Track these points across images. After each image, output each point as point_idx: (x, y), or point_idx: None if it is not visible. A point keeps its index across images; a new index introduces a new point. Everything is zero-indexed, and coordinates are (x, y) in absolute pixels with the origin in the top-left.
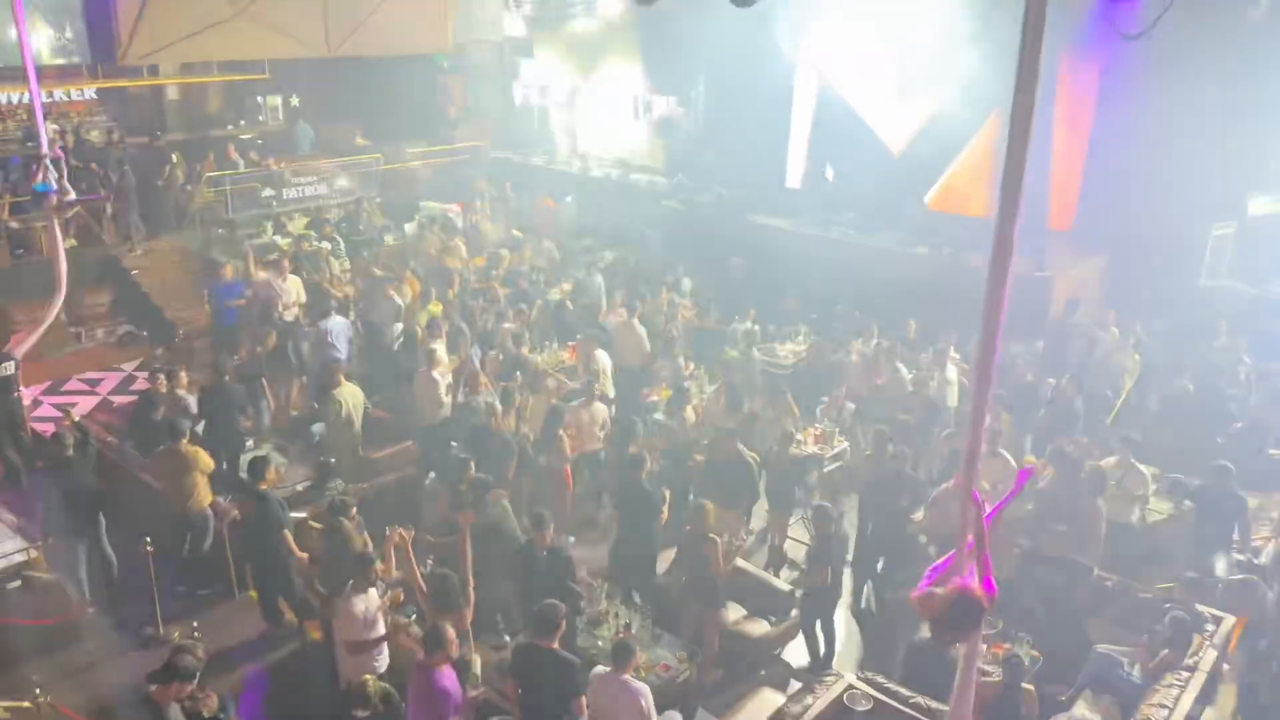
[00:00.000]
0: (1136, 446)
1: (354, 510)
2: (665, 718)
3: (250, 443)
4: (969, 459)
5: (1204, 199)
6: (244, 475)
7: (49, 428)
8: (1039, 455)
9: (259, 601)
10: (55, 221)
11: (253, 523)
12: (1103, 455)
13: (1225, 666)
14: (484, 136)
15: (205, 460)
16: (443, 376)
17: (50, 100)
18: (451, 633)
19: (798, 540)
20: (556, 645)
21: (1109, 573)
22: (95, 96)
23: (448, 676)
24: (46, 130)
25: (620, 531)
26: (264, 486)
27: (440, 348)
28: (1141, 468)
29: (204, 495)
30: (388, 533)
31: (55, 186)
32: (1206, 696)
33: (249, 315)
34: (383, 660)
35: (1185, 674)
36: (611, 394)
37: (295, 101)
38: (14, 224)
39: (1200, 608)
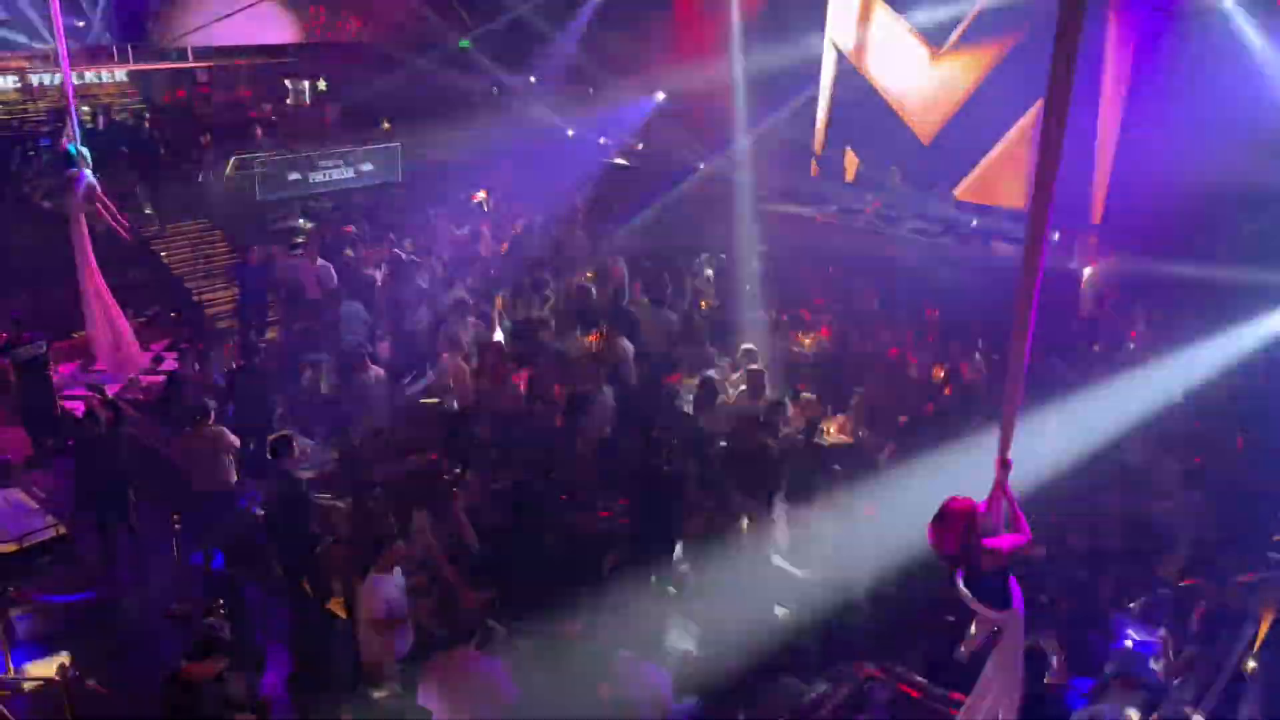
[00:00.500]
0: (1163, 439)
1: (377, 490)
2: (682, 705)
3: (278, 424)
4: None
5: (1237, 185)
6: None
7: (79, 406)
8: None
9: (284, 581)
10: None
11: (276, 503)
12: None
13: (1252, 664)
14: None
15: (230, 441)
16: (466, 361)
17: (81, 82)
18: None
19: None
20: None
21: (1134, 566)
22: (125, 79)
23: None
24: (77, 113)
25: (640, 517)
26: (287, 466)
27: (464, 332)
28: (1170, 460)
29: (230, 475)
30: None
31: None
32: (1233, 693)
33: (277, 298)
34: (405, 642)
35: (1212, 670)
36: (633, 381)
37: (322, 85)
38: (46, 204)
39: (1228, 603)
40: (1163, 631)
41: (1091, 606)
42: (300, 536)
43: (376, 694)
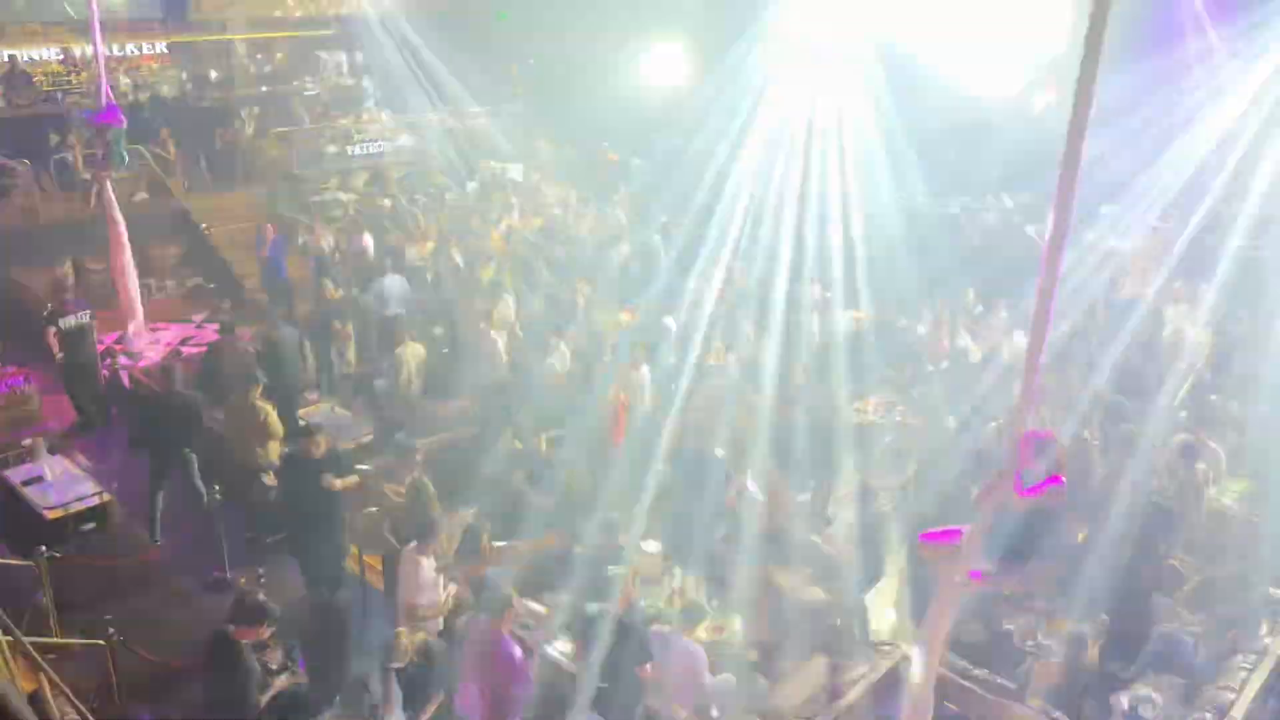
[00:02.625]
0: (1210, 423)
1: (419, 458)
2: (718, 681)
3: (315, 395)
4: (1021, 411)
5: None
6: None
7: (124, 375)
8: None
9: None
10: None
11: (295, 494)
12: (1172, 432)
13: None
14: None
15: (274, 423)
16: (500, 335)
17: (122, 54)
18: (518, 602)
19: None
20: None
21: (1178, 551)
22: (166, 51)
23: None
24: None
25: (679, 497)
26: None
27: (499, 308)
28: (1214, 445)
29: (273, 450)
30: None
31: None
32: (1275, 680)
33: (306, 271)
34: (436, 623)
35: (1254, 657)
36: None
37: (359, 58)
38: (87, 176)
39: (1272, 590)
40: (1204, 616)
41: (1132, 590)
42: (317, 527)
43: (394, 665)
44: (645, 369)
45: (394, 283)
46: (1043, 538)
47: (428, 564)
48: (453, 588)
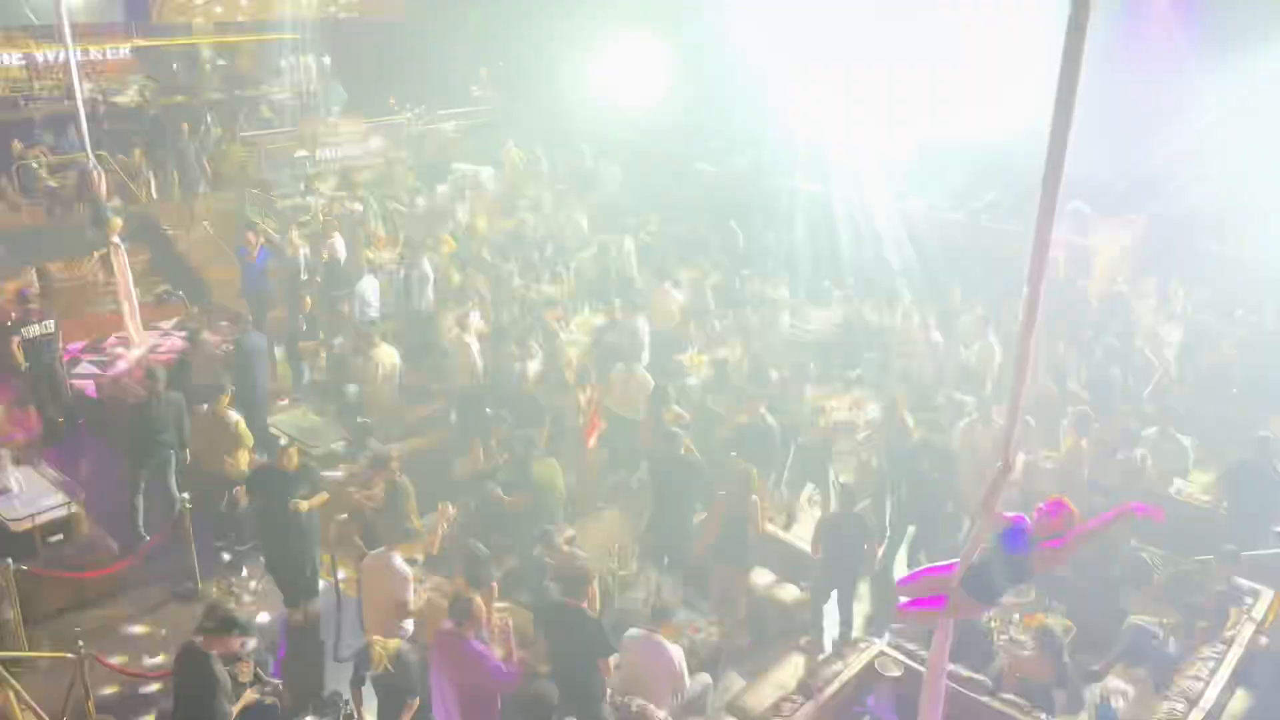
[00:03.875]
0: (1176, 417)
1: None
2: (696, 680)
3: (286, 401)
4: (1008, 430)
5: (1248, 163)
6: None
7: (89, 385)
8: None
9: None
10: None
11: (265, 504)
12: (1142, 426)
13: (1263, 640)
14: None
15: (244, 431)
16: (474, 341)
17: (85, 59)
18: (481, 605)
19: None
20: (584, 605)
21: (1146, 544)
22: (130, 55)
23: (477, 643)
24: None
25: (657, 499)
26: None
27: (473, 313)
28: (1181, 438)
29: (242, 459)
30: (439, 507)
31: None
32: (1243, 669)
33: (281, 279)
34: (409, 625)
35: (1222, 647)
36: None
37: (327, 62)
38: (53, 183)
39: (1238, 580)
40: (1173, 607)
41: (1101, 585)
42: (287, 540)
43: (365, 673)
44: (620, 368)
45: (370, 285)
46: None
47: (399, 567)
48: (424, 590)
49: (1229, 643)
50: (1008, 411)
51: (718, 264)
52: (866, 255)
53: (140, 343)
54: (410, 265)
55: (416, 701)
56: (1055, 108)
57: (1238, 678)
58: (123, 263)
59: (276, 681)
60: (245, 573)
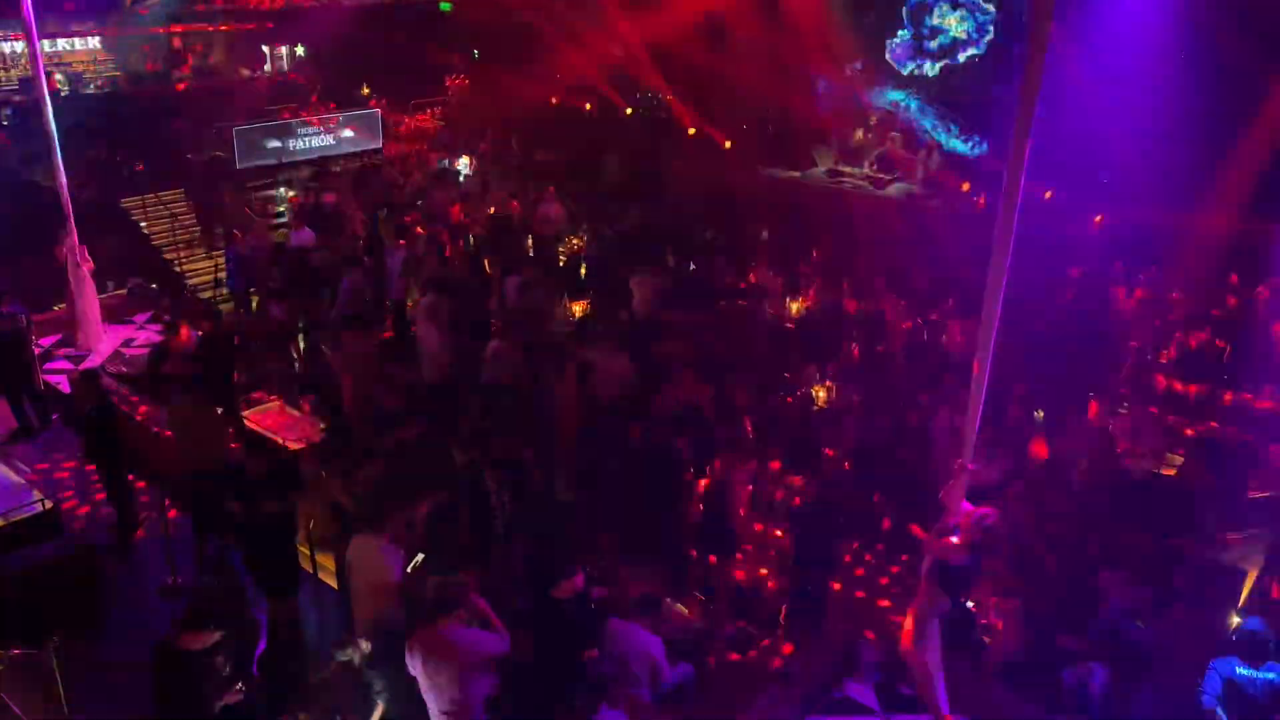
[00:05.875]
0: (1151, 397)
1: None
2: (676, 669)
3: (262, 395)
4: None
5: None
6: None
7: (62, 380)
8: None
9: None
10: None
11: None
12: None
13: (1236, 620)
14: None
15: (220, 425)
16: (443, 330)
17: (54, 49)
18: (466, 585)
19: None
20: (568, 595)
21: (1124, 525)
22: (99, 45)
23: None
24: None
25: (638, 487)
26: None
27: (442, 302)
28: (1159, 418)
29: (219, 451)
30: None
31: None
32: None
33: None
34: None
35: (1201, 627)
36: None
37: (300, 52)
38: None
39: (1215, 558)
40: (1151, 588)
41: (1079, 566)
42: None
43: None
44: (600, 352)
45: (356, 278)
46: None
47: (389, 548)
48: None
49: (1207, 623)
50: (970, 407)
51: (699, 251)
52: (848, 242)
53: (87, 346)
54: (388, 254)
55: (389, 695)
56: (1020, 100)
57: (1216, 659)
58: (76, 260)
59: (256, 676)
60: (224, 567)
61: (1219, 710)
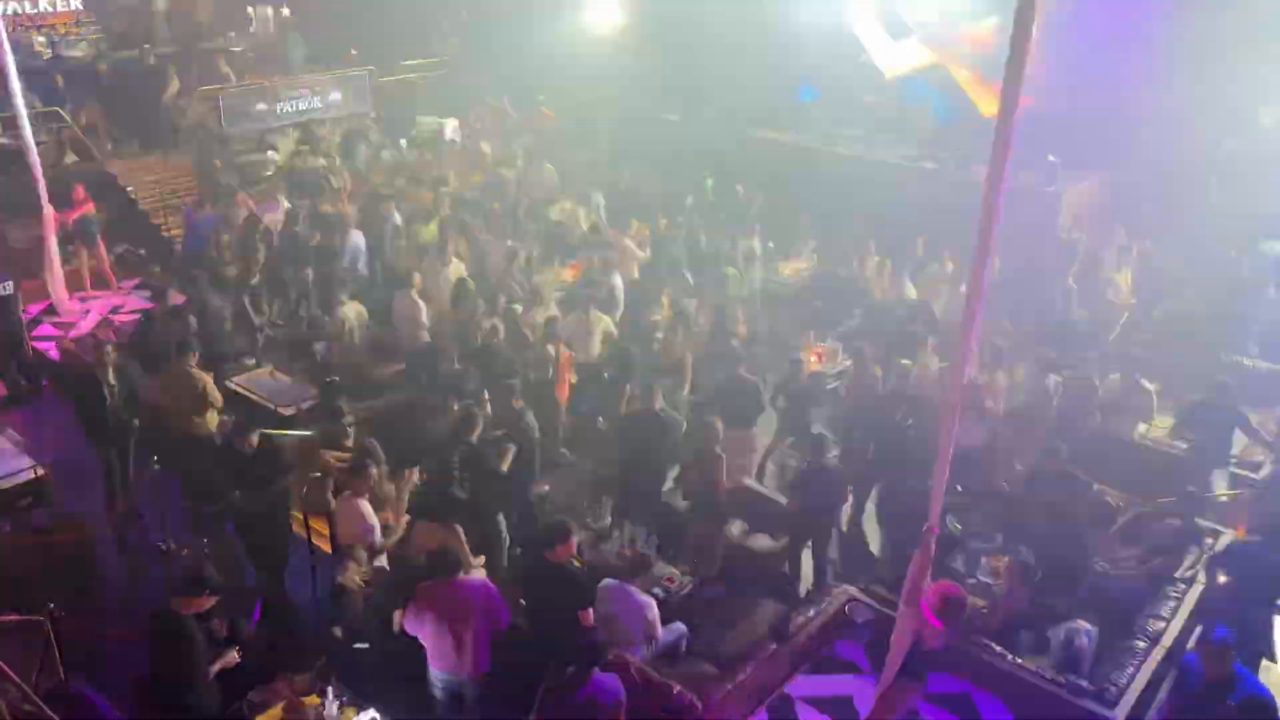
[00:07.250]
0: (1140, 362)
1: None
2: (669, 629)
3: (252, 361)
4: (957, 366)
5: (1214, 111)
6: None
7: (51, 347)
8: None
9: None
10: None
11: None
12: (1106, 372)
13: (1221, 579)
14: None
15: (212, 391)
16: (423, 298)
17: (35, 10)
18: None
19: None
20: (562, 558)
21: (1111, 488)
22: (80, 6)
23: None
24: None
25: (627, 452)
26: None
27: (443, 270)
28: (1145, 383)
29: (210, 419)
30: (406, 474)
31: None
32: (1203, 608)
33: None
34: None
35: (1183, 586)
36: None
37: (286, 13)
38: (3, 139)
39: (1199, 521)
40: (1136, 549)
41: (1068, 527)
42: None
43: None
44: (593, 313)
45: (359, 239)
46: None
47: (365, 507)
48: (405, 519)
49: (1190, 582)
50: (957, 359)
51: (689, 217)
52: (837, 207)
53: (65, 310)
54: (382, 220)
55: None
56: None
57: (1198, 617)
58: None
59: (251, 637)
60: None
61: None
